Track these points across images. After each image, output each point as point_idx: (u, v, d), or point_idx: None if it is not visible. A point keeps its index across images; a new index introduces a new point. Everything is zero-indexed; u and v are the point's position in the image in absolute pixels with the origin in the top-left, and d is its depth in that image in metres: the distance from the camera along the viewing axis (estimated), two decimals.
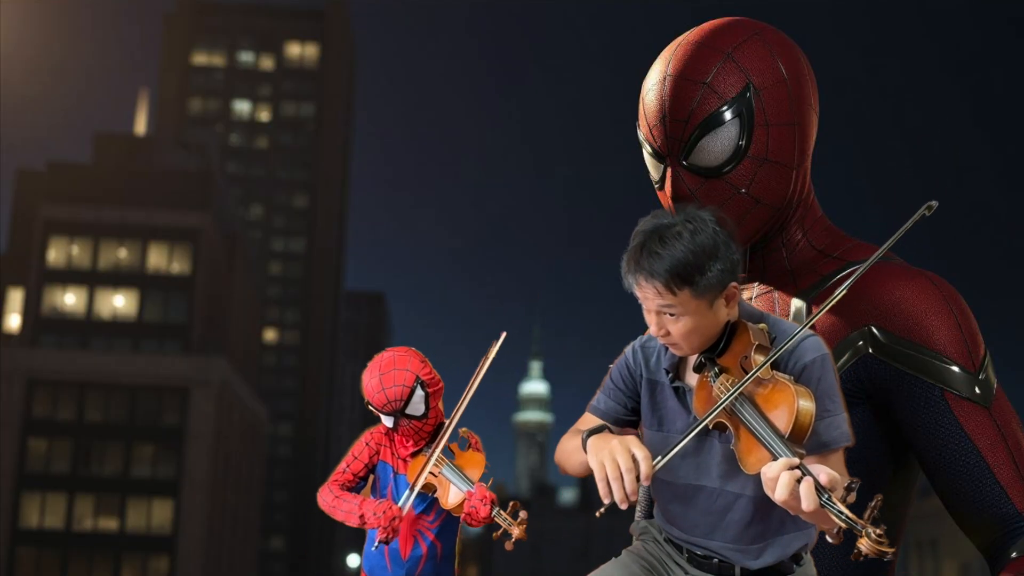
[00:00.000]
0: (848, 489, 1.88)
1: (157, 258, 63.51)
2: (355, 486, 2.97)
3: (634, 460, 2.05)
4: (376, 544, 2.77)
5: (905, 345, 2.52)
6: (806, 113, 2.64)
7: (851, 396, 2.47)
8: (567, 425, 2.46)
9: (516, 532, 2.59)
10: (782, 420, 2.01)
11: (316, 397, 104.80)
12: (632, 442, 2.08)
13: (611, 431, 2.21)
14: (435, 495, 2.83)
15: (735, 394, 2.06)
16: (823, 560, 2.46)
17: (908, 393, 2.51)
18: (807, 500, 1.89)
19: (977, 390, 2.50)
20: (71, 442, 58.19)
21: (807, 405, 2.01)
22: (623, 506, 2.05)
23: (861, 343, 2.54)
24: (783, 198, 2.64)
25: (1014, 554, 2.43)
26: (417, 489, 2.79)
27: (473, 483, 2.76)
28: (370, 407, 2.87)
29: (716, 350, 2.17)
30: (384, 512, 2.77)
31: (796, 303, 2.65)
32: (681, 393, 2.24)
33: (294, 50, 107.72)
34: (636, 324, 2.33)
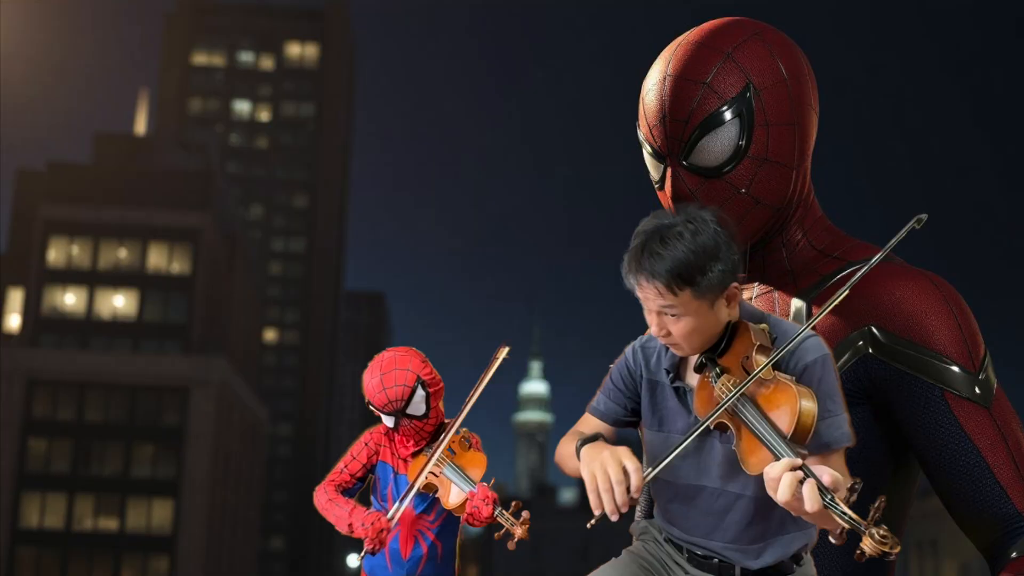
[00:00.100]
0: (851, 490, 1.87)
1: (157, 258, 63.49)
2: (352, 487, 2.97)
3: (625, 472, 2.05)
4: (362, 554, 2.78)
5: (905, 345, 2.52)
6: (806, 113, 2.64)
7: (851, 396, 2.47)
8: (567, 425, 2.46)
9: (518, 532, 2.58)
10: (784, 421, 2.01)
11: (316, 397, 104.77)
12: (623, 454, 2.09)
13: (605, 440, 2.21)
14: (436, 495, 2.83)
15: (733, 398, 2.06)
16: (823, 560, 2.45)
17: (908, 393, 2.51)
18: (810, 501, 1.89)
19: (977, 390, 2.50)
20: (71, 442, 58.18)
21: (809, 406, 2.01)
22: (614, 518, 2.06)
23: (861, 343, 2.54)
24: (783, 198, 2.63)
25: (1014, 554, 2.43)
26: (416, 488, 2.79)
27: (475, 483, 2.76)
28: (371, 407, 2.87)
29: (717, 350, 2.17)
30: (372, 523, 2.77)
31: (796, 303, 2.65)
32: (682, 393, 2.23)
33: (294, 50, 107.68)
34: (636, 324, 2.33)
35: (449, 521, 2.89)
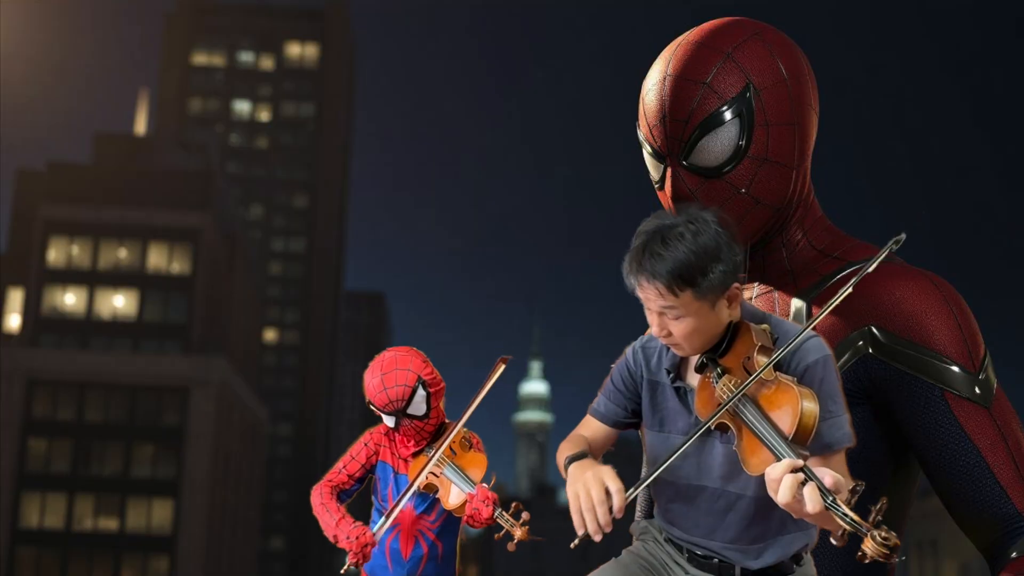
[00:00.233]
0: (853, 492, 1.87)
1: (157, 258, 63.50)
2: (350, 488, 2.97)
3: (607, 492, 2.06)
4: (345, 567, 2.78)
5: (905, 345, 2.52)
6: (806, 113, 2.64)
7: (851, 396, 2.47)
8: (567, 425, 2.46)
9: (518, 534, 2.58)
10: (786, 421, 2.01)
11: (316, 397, 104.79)
12: (606, 474, 2.09)
13: (592, 457, 2.21)
14: (436, 495, 2.83)
15: (732, 402, 2.06)
16: (823, 560, 2.45)
17: (908, 393, 2.51)
18: (811, 503, 1.89)
19: (977, 390, 2.50)
20: (71, 442, 58.18)
21: (811, 407, 2.01)
22: (597, 538, 2.06)
23: (861, 343, 2.54)
24: (783, 198, 2.63)
25: (1014, 554, 2.43)
26: (415, 487, 2.79)
27: (475, 484, 2.76)
28: (372, 407, 2.87)
29: (718, 350, 2.17)
30: (357, 537, 2.77)
31: (796, 303, 2.65)
32: (682, 393, 2.23)
33: (294, 50, 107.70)
34: (636, 324, 2.33)
35: (450, 521, 2.89)
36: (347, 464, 2.96)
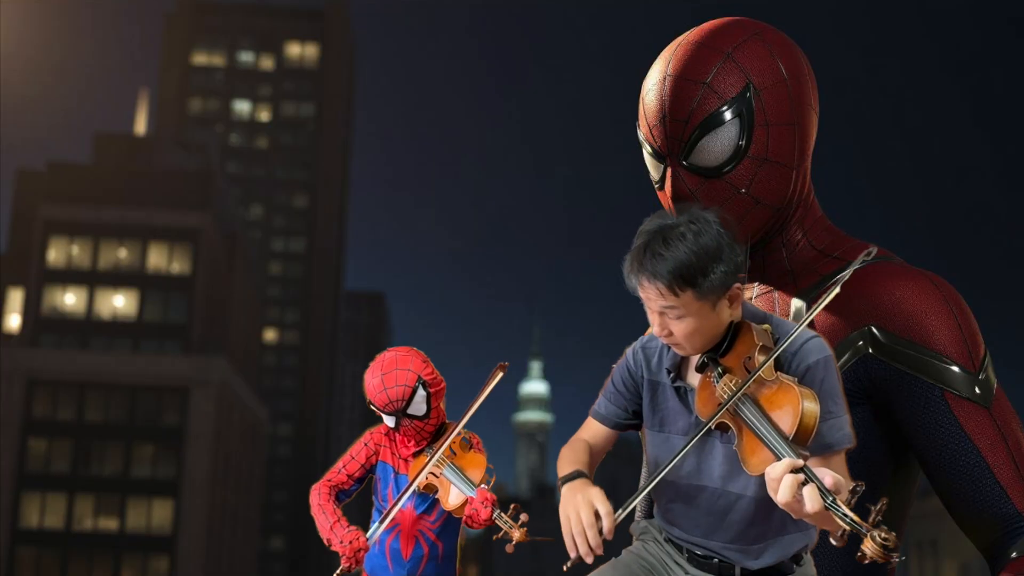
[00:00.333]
0: (853, 492, 1.87)
1: (157, 258, 63.48)
2: (349, 488, 2.97)
3: (597, 515, 2.10)
4: (338, 572, 2.78)
5: (905, 345, 2.51)
6: (806, 113, 2.64)
7: (851, 396, 2.47)
8: (567, 425, 2.47)
9: (517, 535, 2.58)
10: (786, 421, 2.01)
11: (316, 397, 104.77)
12: (595, 497, 2.12)
13: (585, 477, 2.23)
14: (436, 496, 2.83)
15: (733, 400, 2.06)
16: (823, 560, 2.46)
17: (908, 393, 2.51)
18: (811, 503, 1.89)
19: (977, 390, 2.50)
20: (71, 442, 58.17)
21: (811, 407, 2.01)
22: (588, 559, 2.11)
23: (861, 343, 2.54)
24: (783, 198, 2.63)
25: (1014, 554, 2.43)
26: (414, 487, 2.79)
27: (474, 484, 2.76)
28: (372, 407, 2.87)
29: (719, 350, 2.17)
30: (350, 542, 2.77)
31: (796, 303, 2.64)
32: (683, 393, 2.23)
33: (294, 50, 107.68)
34: (636, 324, 2.33)
35: (450, 522, 2.89)
36: (347, 464, 2.96)
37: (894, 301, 2.54)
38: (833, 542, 1.91)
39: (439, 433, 2.90)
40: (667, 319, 2.13)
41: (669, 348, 2.23)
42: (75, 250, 62.93)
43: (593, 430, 2.38)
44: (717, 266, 2.09)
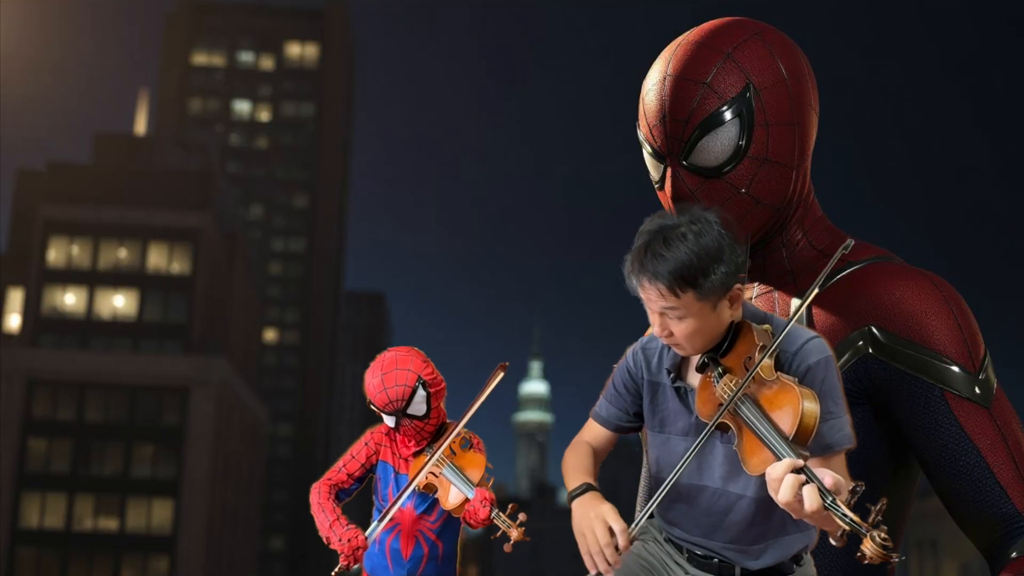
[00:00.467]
0: (853, 492, 1.88)
1: (157, 258, 63.49)
2: (349, 487, 2.97)
3: (611, 532, 2.12)
4: (336, 570, 2.78)
5: (905, 345, 2.51)
6: (806, 113, 2.64)
7: (851, 396, 2.47)
8: (567, 425, 2.48)
9: (515, 534, 2.59)
10: (786, 422, 2.01)
11: (316, 397, 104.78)
12: (608, 514, 2.14)
13: (594, 490, 2.24)
14: (436, 495, 2.83)
15: (733, 400, 2.06)
16: (823, 560, 2.46)
17: (908, 393, 2.51)
18: (811, 503, 1.89)
19: (977, 390, 2.50)
20: (71, 442, 58.18)
21: (812, 407, 2.01)
22: (608, 575, 2.14)
23: (861, 343, 2.54)
24: (783, 198, 2.63)
25: (1014, 554, 2.43)
26: (413, 487, 2.79)
27: (473, 484, 2.76)
28: (372, 406, 2.87)
29: (720, 350, 2.17)
30: (349, 540, 2.78)
31: (796, 303, 2.64)
32: (683, 393, 2.24)
33: (294, 50, 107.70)
34: (636, 324, 2.34)
35: (450, 522, 2.89)
36: (347, 463, 2.96)
37: (894, 301, 2.54)
38: (833, 542, 1.91)
39: (439, 433, 2.90)
40: (668, 320, 2.13)
41: (669, 348, 2.23)
42: (75, 250, 62.93)
43: (595, 432, 2.38)
44: (718, 267, 2.09)
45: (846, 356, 2.54)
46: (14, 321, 66.37)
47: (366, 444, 2.96)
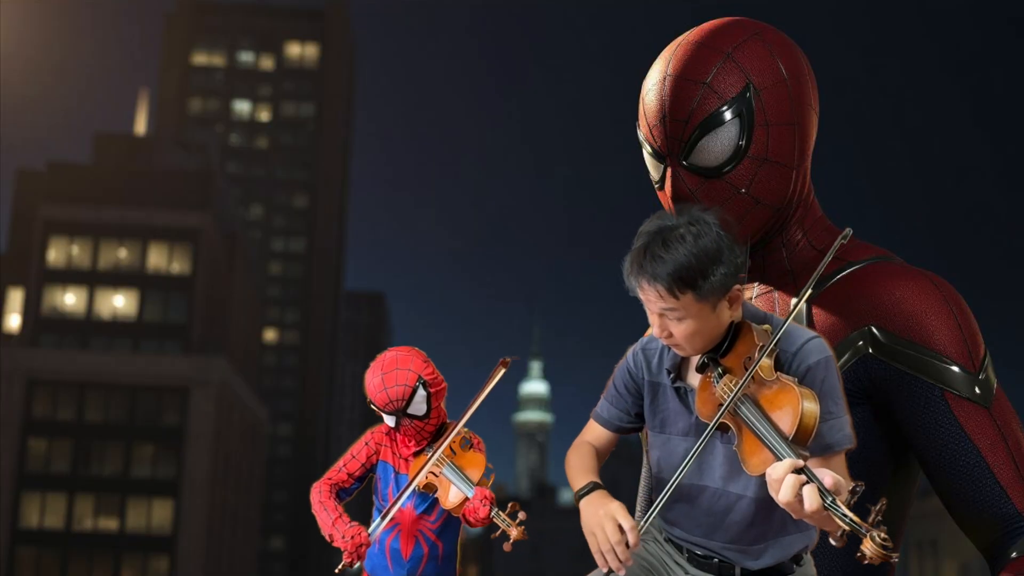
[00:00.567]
0: (853, 493, 1.88)
1: (157, 258, 63.49)
2: (349, 487, 2.97)
3: (621, 529, 2.12)
4: (340, 567, 2.78)
5: (905, 345, 2.51)
6: (806, 113, 2.64)
7: (851, 396, 2.47)
8: (567, 425, 2.48)
9: (514, 533, 2.58)
10: (786, 422, 2.01)
11: (316, 397, 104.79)
12: (618, 512, 2.14)
13: (601, 488, 2.24)
14: (435, 495, 2.83)
15: (732, 400, 2.06)
16: (823, 560, 2.46)
17: (908, 393, 2.51)
18: (811, 503, 1.89)
19: (977, 390, 2.49)
20: (71, 442, 58.18)
21: (811, 407, 2.01)
22: (620, 573, 2.13)
23: (861, 343, 2.54)
24: (783, 198, 2.63)
25: (1014, 554, 2.43)
26: (413, 487, 2.79)
27: (473, 484, 2.76)
28: (373, 406, 2.87)
29: (720, 351, 2.17)
30: (352, 537, 2.78)
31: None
32: (683, 393, 2.24)
33: (294, 50, 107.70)
34: (636, 324, 2.34)
35: (450, 521, 2.89)
36: (347, 463, 2.96)
37: (894, 301, 2.54)
38: (833, 542, 1.91)
39: (439, 433, 2.90)
40: (667, 321, 2.13)
41: (669, 349, 2.23)
42: (75, 250, 62.93)
43: (596, 432, 2.38)
44: (717, 268, 2.09)
45: (846, 356, 2.54)
46: (14, 321, 66.38)
47: (366, 444, 2.96)
